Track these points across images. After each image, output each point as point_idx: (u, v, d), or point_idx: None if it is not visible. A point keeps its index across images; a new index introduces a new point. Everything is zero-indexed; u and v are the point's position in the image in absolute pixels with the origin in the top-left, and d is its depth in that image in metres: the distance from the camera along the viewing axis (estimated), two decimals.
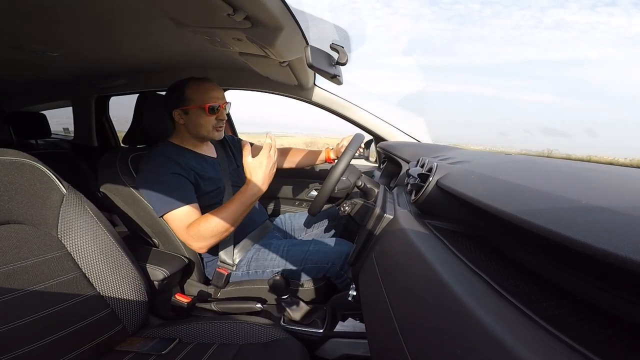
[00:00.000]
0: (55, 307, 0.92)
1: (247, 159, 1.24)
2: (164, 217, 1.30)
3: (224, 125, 1.50)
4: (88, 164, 2.63)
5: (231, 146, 1.78)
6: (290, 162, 1.92)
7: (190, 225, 1.27)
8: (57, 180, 1.03)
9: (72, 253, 1.01)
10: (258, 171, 1.22)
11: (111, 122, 2.65)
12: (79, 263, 1.02)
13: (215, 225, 1.24)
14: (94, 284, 1.03)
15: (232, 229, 1.29)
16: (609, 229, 0.31)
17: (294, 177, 2.27)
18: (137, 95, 1.59)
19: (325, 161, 1.86)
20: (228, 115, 2.43)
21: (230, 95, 2.12)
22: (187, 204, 1.30)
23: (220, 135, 1.49)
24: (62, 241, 1.00)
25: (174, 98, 1.41)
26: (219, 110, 1.42)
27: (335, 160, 1.68)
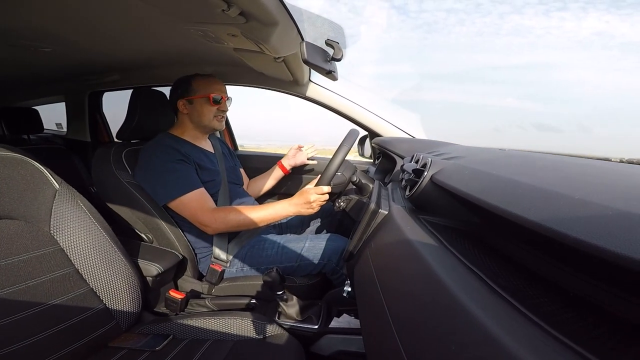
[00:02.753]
0: (48, 303, 0.92)
1: (311, 185, 1.38)
2: (176, 201, 1.34)
3: (225, 117, 1.57)
4: (81, 159, 2.61)
5: (229, 149, 1.84)
6: (254, 192, 1.93)
7: (217, 210, 1.37)
8: (49, 175, 1.02)
9: (64, 249, 1.00)
10: (301, 197, 1.34)
11: (104, 117, 2.63)
12: (72, 259, 1.01)
13: (242, 219, 1.35)
14: (87, 279, 1.02)
15: (251, 227, 1.40)
16: (603, 224, 0.31)
17: (295, 173, 2.26)
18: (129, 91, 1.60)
19: (283, 172, 1.95)
20: (229, 128, 2.46)
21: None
22: (200, 187, 1.38)
23: (221, 125, 1.56)
24: (55, 237, 1.00)
25: (180, 89, 1.49)
26: (221, 102, 1.51)
27: (289, 168, 1.88)
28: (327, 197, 1.30)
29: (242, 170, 1.89)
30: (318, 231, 1.81)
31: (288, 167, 1.94)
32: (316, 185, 1.28)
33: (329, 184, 1.26)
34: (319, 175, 1.28)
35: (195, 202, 1.34)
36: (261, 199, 1.97)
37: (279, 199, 2.31)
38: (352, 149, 1.26)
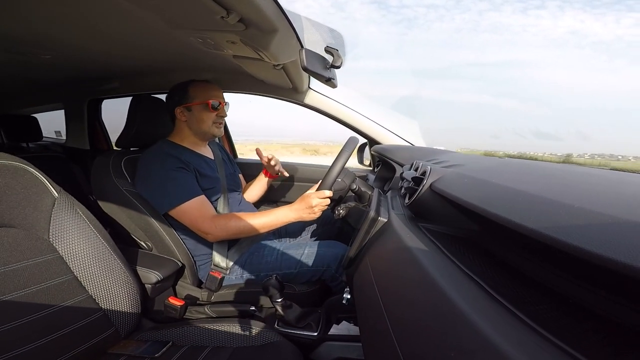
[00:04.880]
0: (47, 310, 0.91)
1: (312, 190, 1.34)
2: (176, 209, 1.34)
3: (223, 123, 1.56)
4: (80, 167, 2.61)
5: (228, 155, 1.82)
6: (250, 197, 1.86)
7: (218, 217, 1.36)
8: (48, 183, 1.02)
9: (64, 256, 1.00)
10: (302, 202, 1.32)
11: (104, 125, 2.63)
12: (71, 266, 1.01)
13: (243, 226, 1.34)
14: (86, 287, 1.02)
15: (252, 234, 1.38)
16: (601, 232, 0.31)
17: (289, 180, 2.26)
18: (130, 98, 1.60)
19: (269, 178, 1.84)
20: (228, 134, 2.44)
21: None
22: (200, 194, 1.37)
23: (220, 131, 1.55)
24: (54, 244, 0.99)
25: (177, 96, 1.47)
26: (219, 108, 1.49)
27: (274, 172, 1.76)
28: (328, 201, 1.30)
29: (241, 176, 1.88)
30: (313, 237, 1.80)
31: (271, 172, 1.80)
32: (317, 189, 1.28)
33: (330, 189, 1.26)
34: (320, 181, 1.28)
35: (196, 210, 1.34)
36: (257, 206, 1.94)
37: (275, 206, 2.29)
38: (351, 156, 1.26)
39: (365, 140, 2.08)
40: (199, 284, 1.51)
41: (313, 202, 1.28)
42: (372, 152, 1.97)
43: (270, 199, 2.25)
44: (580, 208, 0.37)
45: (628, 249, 0.28)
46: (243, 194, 1.83)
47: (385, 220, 0.85)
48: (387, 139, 1.96)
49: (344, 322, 1.30)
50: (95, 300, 1.03)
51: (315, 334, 1.21)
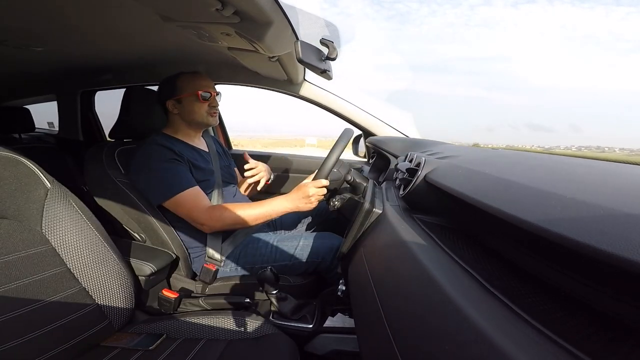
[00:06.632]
0: (40, 303, 0.91)
1: (308, 179, 1.33)
2: (171, 200, 1.33)
3: (217, 112, 1.54)
4: (73, 158, 2.59)
5: (223, 147, 1.80)
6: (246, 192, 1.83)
7: (213, 208, 1.35)
8: (41, 174, 1.01)
9: (56, 248, 1.00)
10: (299, 192, 1.30)
11: (97, 116, 2.61)
12: (64, 258, 1.00)
13: (238, 217, 1.32)
14: (79, 279, 1.01)
15: (248, 225, 1.36)
16: (594, 224, 0.31)
17: (284, 172, 2.26)
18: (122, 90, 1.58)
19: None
20: (223, 126, 2.40)
21: None
22: (194, 185, 1.36)
23: (215, 121, 1.53)
24: (47, 236, 0.99)
25: (166, 89, 1.46)
26: (211, 98, 1.47)
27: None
28: (325, 191, 1.29)
29: (235, 169, 1.86)
30: (308, 229, 1.80)
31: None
32: (314, 179, 1.28)
33: (326, 178, 1.26)
34: (316, 171, 1.28)
35: (191, 201, 1.33)
36: (253, 198, 1.93)
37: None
38: (346, 148, 1.26)
39: (360, 132, 2.08)
40: (193, 276, 1.50)
41: (310, 192, 1.27)
42: (367, 143, 1.97)
43: (265, 191, 2.24)
44: (573, 199, 0.37)
45: (621, 241, 0.28)
46: (239, 187, 1.82)
47: (380, 211, 0.85)
48: (382, 131, 1.96)
49: (338, 314, 1.30)
50: (88, 292, 1.02)
51: (310, 326, 1.22)
